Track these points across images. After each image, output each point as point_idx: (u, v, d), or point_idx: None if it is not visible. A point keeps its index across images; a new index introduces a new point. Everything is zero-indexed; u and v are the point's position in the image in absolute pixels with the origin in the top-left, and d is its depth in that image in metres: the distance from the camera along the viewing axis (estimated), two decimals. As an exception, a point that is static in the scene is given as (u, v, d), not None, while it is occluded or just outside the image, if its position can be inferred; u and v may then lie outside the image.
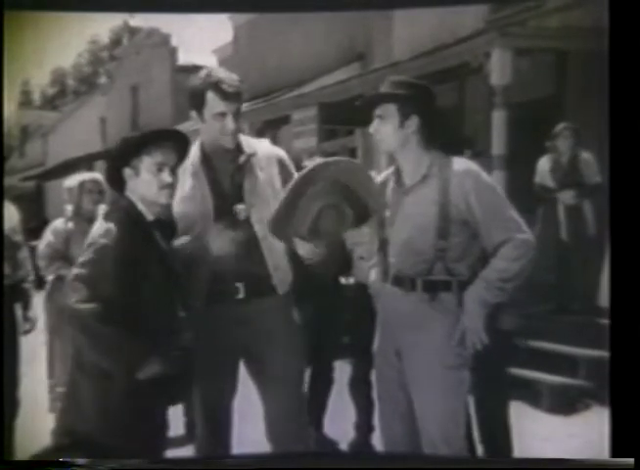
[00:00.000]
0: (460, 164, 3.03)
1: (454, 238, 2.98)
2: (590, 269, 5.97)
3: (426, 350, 2.98)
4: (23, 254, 4.42)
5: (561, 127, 6.56)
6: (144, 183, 2.88)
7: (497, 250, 2.93)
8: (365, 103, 3.14)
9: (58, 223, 4.94)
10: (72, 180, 4.98)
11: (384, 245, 3.17)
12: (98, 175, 5.02)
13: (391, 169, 3.19)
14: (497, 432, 3.89)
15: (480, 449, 3.84)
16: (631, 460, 3.11)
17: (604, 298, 5.02)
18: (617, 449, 3.16)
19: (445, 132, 3.41)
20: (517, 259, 2.91)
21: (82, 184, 4.86)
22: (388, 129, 3.04)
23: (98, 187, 4.89)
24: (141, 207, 2.90)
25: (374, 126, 3.08)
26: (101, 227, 2.81)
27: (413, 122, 3.02)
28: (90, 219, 4.80)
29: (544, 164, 6.70)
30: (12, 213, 4.36)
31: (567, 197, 6.47)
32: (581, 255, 6.31)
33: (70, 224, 4.85)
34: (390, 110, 3.03)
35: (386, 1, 4.88)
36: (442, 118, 3.15)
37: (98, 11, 4.02)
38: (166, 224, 3.01)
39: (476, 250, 3.04)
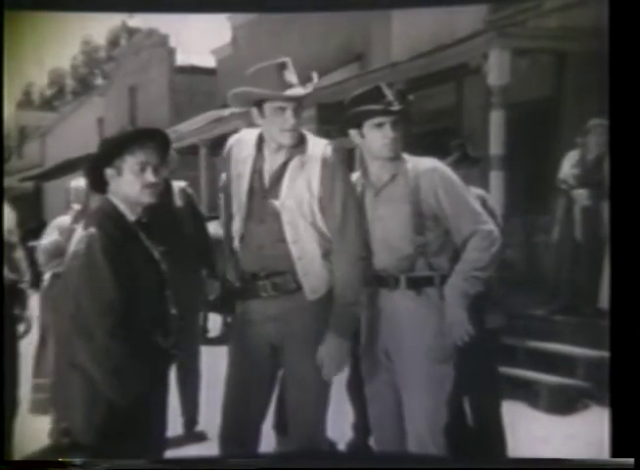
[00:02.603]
0: (424, 161, 3.13)
1: (430, 233, 3.06)
2: (600, 271, 5.90)
3: (413, 346, 3.02)
4: (19, 254, 4.43)
5: (593, 123, 6.21)
6: (127, 183, 2.87)
7: (467, 242, 3.03)
8: (354, 116, 3.18)
9: (64, 221, 4.94)
10: (79, 181, 5.01)
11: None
12: None
13: (360, 172, 3.26)
14: (489, 430, 3.87)
15: (472, 448, 3.82)
16: (631, 460, 3.12)
17: (606, 299, 5.02)
18: (617, 449, 3.16)
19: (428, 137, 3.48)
20: (486, 249, 3.01)
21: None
22: (370, 138, 3.13)
23: None
24: (123, 208, 2.88)
25: (366, 134, 3.14)
26: (81, 233, 2.79)
27: (396, 131, 3.08)
28: None
29: (570, 159, 6.49)
30: (8, 215, 4.37)
31: (582, 197, 6.27)
32: (593, 256, 6.10)
33: (76, 224, 4.87)
34: (377, 122, 3.10)
35: (385, 1, 4.88)
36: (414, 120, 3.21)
37: (97, 11, 4.02)
38: (151, 224, 2.99)
39: (451, 243, 3.11)
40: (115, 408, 2.70)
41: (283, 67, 3.17)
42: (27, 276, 4.49)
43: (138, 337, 2.75)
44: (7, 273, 4.21)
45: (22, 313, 4.41)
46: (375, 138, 3.09)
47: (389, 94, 3.12)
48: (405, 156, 3.15)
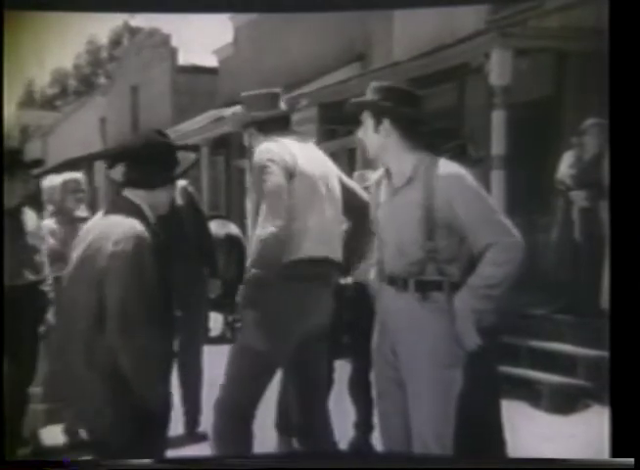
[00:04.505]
0: (445, 167, 3.03)
1: (442, 240, 2.99)
2: (600, 271, 5.88)
3: (418, 348, 3.00)
4: (41, 258, 4.36)
5: (589, 123, 6.20)
6: (172, 195, 2.98)
7: (483, 254, 2.93)
8: (348, 111, 3.21)
9: (51, 224, 4.89)
10: (53, 180, 4.98)
11: (380, 244, 3.19)
12: (79, 175, 5.10)
13: (383, 170, 3.23)
14: (488, 429, 3.84)
15: (471, 448, 3.78)
16: (631, 460, 3.11)
17: (606, 299, 5.01)
18: (617, 449, 3.15)
19: (430, 133, 3.47)
20: (502, 264, 2.90)
21: (65, 184, 4.89)
22: (367, 135, 3.11)
23: (79, 186, 4.96)
24: (147, 209, 2.86)
25: (359, 132, 3.15)
26: (123, 233, 2.72)
27: (387, 127, 3.06)
28: (72, 219, 4.81)
29: (566, 160, 6.48)
30: (32, 218, 4.36)
31: (580, 198, 6.26)
32: (593, 256, 6.05)
33: (55, 224, 4.83)
34: (366, 116, 3.10)
35: (385, 1, 4.88)
36: (425, 120, 3.15)
37: (98, 11, 4.02)
38: (161, 223, 3.00)
39: (466, 252, 3.04)
40: (143, 409, 2.70)
41: None
42: (50, 279, 4.41)
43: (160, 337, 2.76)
44: (27, 274, 4.19)
45: (43, 315, 4.35)
46: (380, 137, 3.07)
47: (403, 93, 3.13)
48: (427, 157, 3.07)
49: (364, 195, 3.61)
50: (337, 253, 3.44)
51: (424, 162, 3.06)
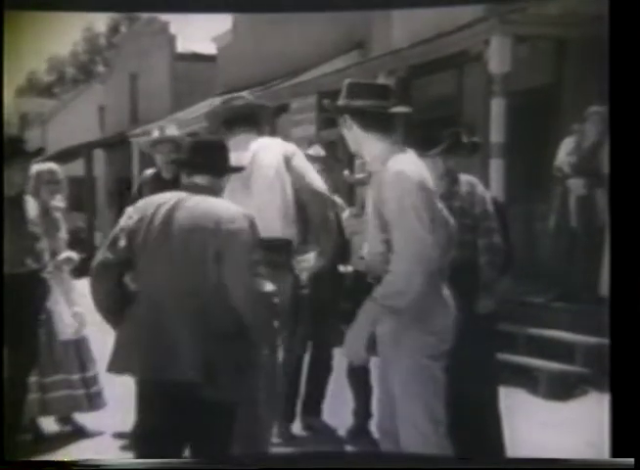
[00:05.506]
0: (397, 165, 2.95)
1: (394, 234, 2.93)
2: (597, 259, 5.90)
3: (394, 338, 2.99)
4: (42, 245, 4.31)
5: (591, 111, 6.18)
6: None
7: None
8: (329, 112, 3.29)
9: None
10: (49, 165, 4.86)
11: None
12: (54, 165, 4.91)
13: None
14: (485, 419, 3.82)
15: (468, 438, 3.70)
16: (631, 460, 3.10)
17: (605, 287, 5.01)
18: (617, 449, 3.14)
19: (425, 123, 3.47)
20: (399, 274, 2.86)
21: (39, 175, 4.69)
22: (344, 132, 3.14)
23: (55, 177, 4.79)
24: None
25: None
26: (236, 213, 2.91)
27: (349, 121, 3.07)
28: (46, 210, 4.65)
29: (565, 146, 6.48)
30: (32, 206, 4.33)
31: (578, 186, 6.26)
32: (590, 244, 6.09)
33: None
34: (337, 116, 3.14)
35: (385, 1, 4.87)
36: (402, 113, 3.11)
37: (98, 11, 4.01)
38: None
39: None
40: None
41: None
42: (51, 267, 4.39)
43: None
44: (30, 262, 4.18)
45: (43, 303, 4.33)
46: (348, 132, 3.12)
47: (367, 86, 3.15)
48: (390, 148, 3.01)
49: (310, 177, 3.73)
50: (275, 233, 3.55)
51: (385, 154, 3.01)
